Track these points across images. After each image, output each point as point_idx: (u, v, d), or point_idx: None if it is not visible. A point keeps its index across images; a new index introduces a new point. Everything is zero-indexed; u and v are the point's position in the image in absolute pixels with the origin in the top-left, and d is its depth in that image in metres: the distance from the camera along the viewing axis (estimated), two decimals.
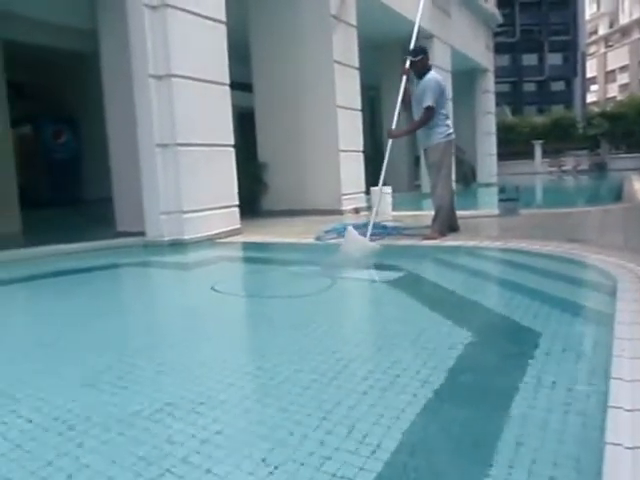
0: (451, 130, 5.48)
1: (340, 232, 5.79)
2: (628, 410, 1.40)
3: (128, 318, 3.18)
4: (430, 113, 5.24)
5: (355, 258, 4.31)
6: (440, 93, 5.31)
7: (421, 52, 5.40)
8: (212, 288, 3.61)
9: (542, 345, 2.11)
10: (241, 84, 8.27)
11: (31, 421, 1.67)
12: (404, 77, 5.37)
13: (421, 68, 5.32)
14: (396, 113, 5.46)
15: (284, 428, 1.53)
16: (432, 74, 5.33)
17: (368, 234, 4.81)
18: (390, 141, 5.49)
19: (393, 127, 5.48)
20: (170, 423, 1.61)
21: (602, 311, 2.53)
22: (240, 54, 8.08)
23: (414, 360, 2.01)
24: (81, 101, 11.64)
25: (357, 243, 4.55)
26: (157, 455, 1.43)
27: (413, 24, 6.13)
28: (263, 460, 1.38)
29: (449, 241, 5.01)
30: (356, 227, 5.94)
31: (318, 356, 2.13)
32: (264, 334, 2.63)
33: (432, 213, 5.53)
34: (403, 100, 5.45)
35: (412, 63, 5.32)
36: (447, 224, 5.44)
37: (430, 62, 5.59)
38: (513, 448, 1.37)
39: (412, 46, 5.50)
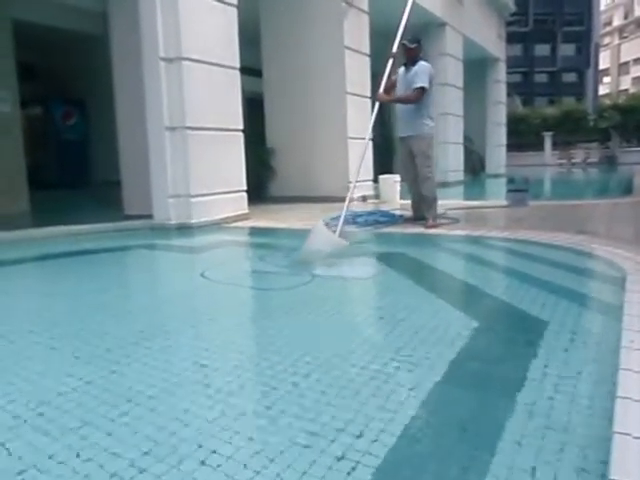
0: (433, 123, 5.57)
1: (347, 220, 5.78)
2: (637, 400, 1.39)
3: (129, 299, 3.20)
4: (421, 94, 5.25)
5: (322, 254, 3.84)
6: (431, 81, 5.34)
7: (417, 41, 5.44)
8: (202, 275, 3.58)
9: (549, 334, 2.11)
10: (250, 69, 8.23)
11: (32, 399, 1.68)
12: (390, 60, 5.31)
13: (413, 56, 5.37)
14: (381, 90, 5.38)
15: (288, 413, 1.54)
16: (425, 62, 5.41)
17: (339, 227, 4.42)
18: (368, 138, 5.45)
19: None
20: (175, 403, 1.62)
21: (610, 302, 2.52)
22: (250, 39, 8.03)
23: (421, 347, 2.01)
24: (91, 83, 11.60)
25: (324, 238, 4.09)
26: (163, 435, 1.43)
27: (425, 11, 6.07)
28: (266, 443, 1.38)
29: (456, 230, 5.00)
30: (361, 214, 5.98)
31: (319, 345, 2.13)
32: (260, 322, 2.64)
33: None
34: (385, 87, 5.37)
35: (407, 49, 5.32)
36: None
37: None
38: (518, 435, 1.36)
39: (400, 32, 5.39)
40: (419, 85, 5.22)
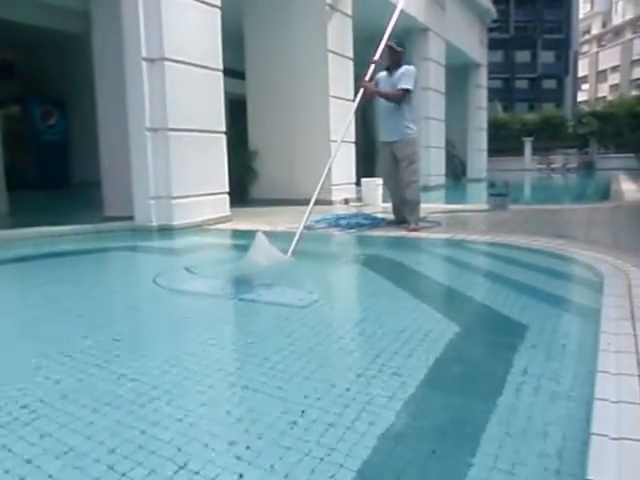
0: (416, 127, 5.61)
1: (330, 222, 5.81)
2: (614, 402, 1.41)
3: (97, 303, 3.16)
4: (405, 95, 5.29)
5: (261, 268, 3.42)
6: (415, 85, 5.39)
7: (402, 46, 5.49)
8: (154, 281, 3.34)
9: (529, 338, 2.13)
10: (233, 71, 8.20)
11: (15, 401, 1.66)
12: (372, 66, 5.28)
13: (398, 60, 5.41)
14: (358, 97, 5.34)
15: (271, 415, 1.53)
16: (411, 66, 5.46)
17: (296, 238, 4.01)
18: (339, 143, 5.47)
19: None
20: (152, 407, 1.61)
21: (589, 306, 2.55)
22: (233, 41, 8.01)
23: (406, 342, 2.02)
24: (71, 83, 11.49)
25: (265, 252, 3.61)
26: (143, 438, 1.42)
27: (408, 16, 6.10)
28: (248, 447, 1.37)
29: (437, 234, 5.03)
30: (343, 217, 6.00)
31: (296, 351, 2.13)
32: (234, 335, 2.63)
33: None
34: (364, 93, 5.32)
35: (394, 52, 5.36)
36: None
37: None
38: (498, 438, 1.38)
39: (385, 39, 5.35)
40: (405, 86, 5.26)
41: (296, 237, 4.05)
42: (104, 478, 1.24)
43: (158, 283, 3.34)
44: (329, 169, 5.04)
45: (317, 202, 4.78)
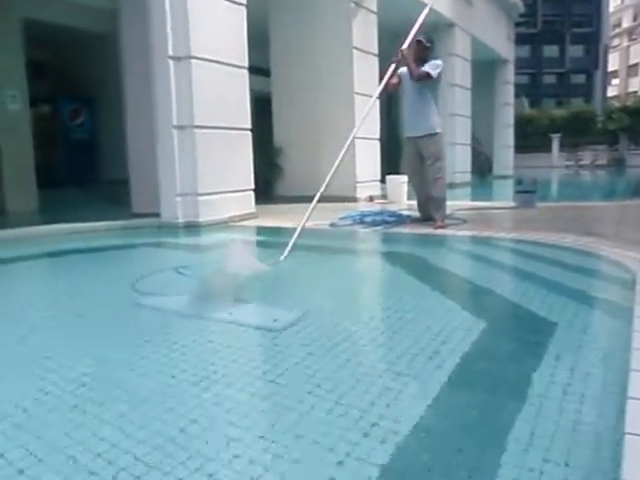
0: (441, 122, 5.53)
1: (355, 219, 5.80)
2: None
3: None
4: (427, 77, 5.21)
5: (237, 280, 2.75)
6: (439, 78, 5.33)
7: (431, 42, 5.44)
8: (133, 287, 3.06)
9: (558, 336, 2.10)
10: (259, 68, 8.24)
11: (47, 393, 1.69)
12: (392, 65, 5.27)
13: (425, 55, 5.35)
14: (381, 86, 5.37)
15: (294, 412, 1.53)
16: (438, 60, 5.39)
17: (290, 246, 3.82)
18: (351, 138, 5.39)
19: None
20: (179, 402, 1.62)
21: (620, 304, 2.50)
22: (258, 38, 8.04)
23: (429, 347, 2.00)
24: (99, 81, 11.66)
25: (244, 262, 2.97)
26: (172, 433, 1.44)
27: (434, 11, 6.04)
28: (272, 440, 1.38)
29: (464, 231, 4.99)
30: (368, 214, 5.97)
31: (320, 339, 2.13)
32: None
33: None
34: (387, 85, 5.32)
35: (422, 46, 5.31)
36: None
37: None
38: (528, 435, 1.36)
39: (413, 32, 5.30)
40: (429, 70, 5.20)
41: (292, 240, 3.85)
42: (135, 469, 1.26)
43: (137, 289, 3.05)
44: (337, 166, 5.03)
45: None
